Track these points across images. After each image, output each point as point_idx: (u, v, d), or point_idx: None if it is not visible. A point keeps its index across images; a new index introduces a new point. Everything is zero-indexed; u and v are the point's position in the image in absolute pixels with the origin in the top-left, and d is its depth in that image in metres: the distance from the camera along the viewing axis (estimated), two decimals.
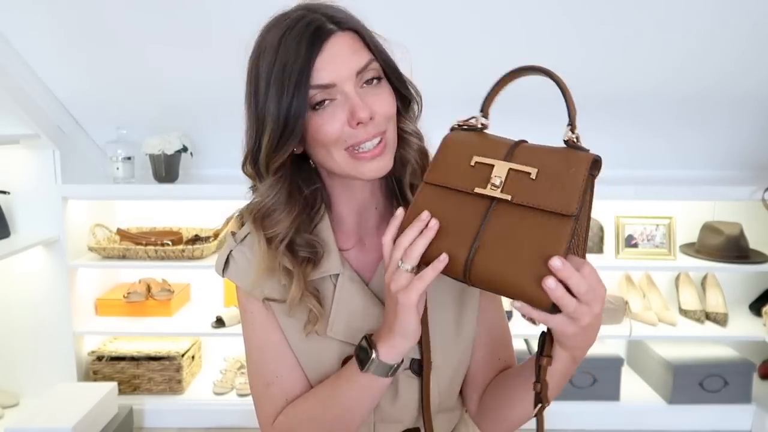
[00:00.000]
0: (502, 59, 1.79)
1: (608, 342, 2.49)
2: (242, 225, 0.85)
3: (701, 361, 2.35)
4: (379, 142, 0.72)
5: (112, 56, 1.97)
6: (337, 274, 0.80)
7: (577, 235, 0.63)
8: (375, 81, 0.72)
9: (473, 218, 0.64)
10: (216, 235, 2.42)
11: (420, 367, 0.80)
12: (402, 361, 0.73)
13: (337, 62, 0.69)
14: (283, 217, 0.76)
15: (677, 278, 2.55)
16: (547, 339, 0.68)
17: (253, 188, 0.80)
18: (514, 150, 0.66)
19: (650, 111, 2.14)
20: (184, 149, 2.20)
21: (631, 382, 2.47)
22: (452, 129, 0.72)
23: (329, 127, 0.70)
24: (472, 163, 0.66)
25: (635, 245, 2.39)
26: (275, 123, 0.69)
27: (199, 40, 1.88)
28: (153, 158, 2.20)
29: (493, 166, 0.65)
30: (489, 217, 0.63)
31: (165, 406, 2.35)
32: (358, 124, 0.69)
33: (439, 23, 1.83)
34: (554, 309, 0.59)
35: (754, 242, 2.36)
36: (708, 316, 2.41)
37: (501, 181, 0.63)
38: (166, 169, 2.21)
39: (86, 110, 2.21)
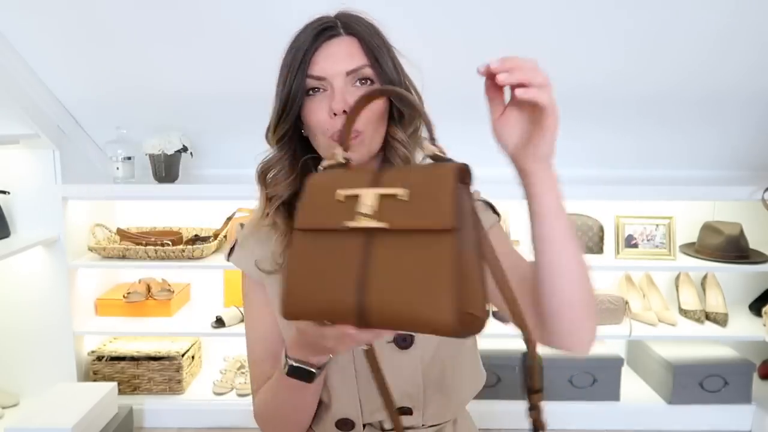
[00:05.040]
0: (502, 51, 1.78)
1: (608, 342, 2.49)
2: None
3: (701, 361, 2.35)
4: (356, 136, 0.78)
5: (112, 56, 1.97)
6: None
7: (478, 245, 0.59)
8: (367, 82, 0.80)
9: (353, 257, 0.58)
10: (216, 236, 2.42)
11: (404, 340, 0.83)
12: (322, 368, 0.77)
13: (331, 59, 0.78)
14: (281, 178, 0.84)
15: (677, 278, 2.55)
16: (536, 371, 0.63)
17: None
18: (380, 176, 0.61)
19: (665, 111, 2.11)
20: (184, 149, 2.20)
21: (631, 382, 2.47)
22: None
23: (315, 115, 0.79)
24: (339, 198, 0.61)
25: (635, 245, 2.39)
26: (280, 99, 0.80)
27: (200, 40, 1.88)
28: (153, 158, 2.20)
29: (359, 195, 0.59)
30: (370, 252, 0.57)
31: (165, 406, 2.35)
32: (334, 114, 0.77)
33: (432, 14, 1.82)
34: (463, 333, 0.55)
35: (754, 242, 2.36)
36: (708, 316, 2.41)
37: (373, 210, 0.58)
38: (166, 169, 2.21)
39: (86, 110, 2.21)
